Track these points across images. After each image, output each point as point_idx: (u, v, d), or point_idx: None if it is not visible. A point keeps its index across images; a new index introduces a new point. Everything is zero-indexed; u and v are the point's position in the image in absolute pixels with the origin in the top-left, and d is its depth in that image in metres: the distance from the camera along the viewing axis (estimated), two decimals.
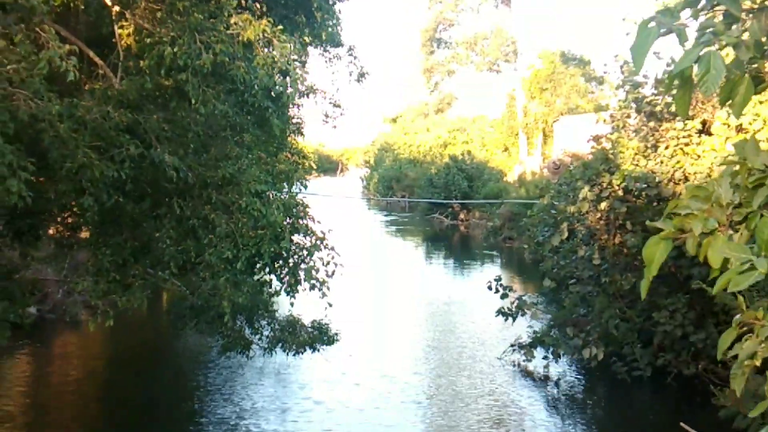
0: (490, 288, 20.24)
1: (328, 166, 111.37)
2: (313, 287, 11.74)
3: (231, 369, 19.90)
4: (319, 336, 17.19)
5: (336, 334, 17.23)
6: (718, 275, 4.23)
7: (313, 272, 11.56)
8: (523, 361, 19.06)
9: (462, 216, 55.21)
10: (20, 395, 18.30)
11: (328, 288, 11.76)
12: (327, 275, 11.81)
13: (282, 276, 11.66)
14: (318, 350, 17.26)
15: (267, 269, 11.64)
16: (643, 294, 4.50)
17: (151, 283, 12.23)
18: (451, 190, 56.17)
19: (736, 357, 4.48)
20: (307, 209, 12.14)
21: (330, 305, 13.04)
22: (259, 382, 18.83)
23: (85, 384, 19.61)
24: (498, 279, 20.21)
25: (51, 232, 14.15)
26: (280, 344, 17.18)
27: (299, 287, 11.70)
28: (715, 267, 4.03)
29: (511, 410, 16.79)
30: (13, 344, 21.62)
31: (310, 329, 17.19)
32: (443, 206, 56.76)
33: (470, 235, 51.68)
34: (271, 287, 14.29)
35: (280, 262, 11.49)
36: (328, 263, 11.70)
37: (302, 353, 17.17)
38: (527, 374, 18.99)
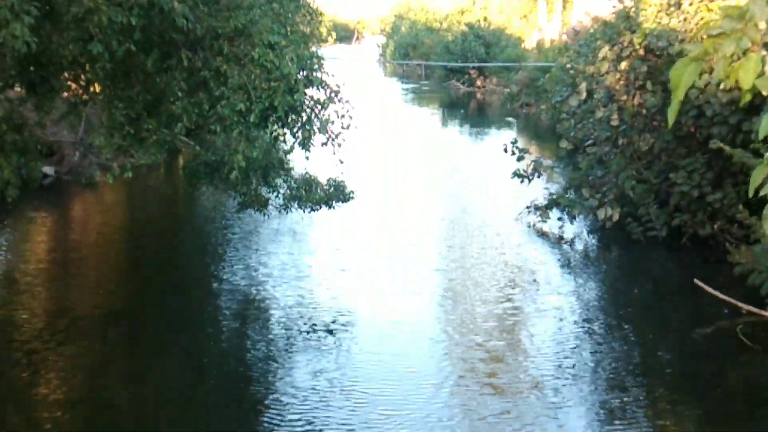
0: (506, 150, 20.08)
1: (344, 35, 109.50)
2: (327, 141, 11.60)
3: (248, 228, 20.08)
4: (335, 193, 17.18)
5: (352, 192, 17.21)
6: (747, 101, 4.08)
7: (328, 125, 11.40)
8: (539, 222, 19.08)
9: (479, 83, 54.49)
10: (41, 254, 18.57)
11: (343, 140, 11.63)
12: (342, 128, 11.65)
13: (295, 130, 11.52)
14: (333, 207, 17.29)
15: (280, 123, 11.48)
16: (670, 121, 4.33)
17: (165, 140, 12.10)
18: (468, 56, 55.28)
19: (756, 212, 4.34)
20: (322, 62, 11.88)
21: (342, 161, 12.98)
22: (276, 241, 19.04)
23: (102, 244, 19.82)
24: (514, 142, 20.02)
25: (65, 95, 13.95)
26: (296, 201, 17.18)
27: (313, 141, 11.57)
28: (746, 88, 3.87)
29: (525, 268, 16.91)
30: (32, 204, 21.85)
31: (325, 187, 17.16)
32: (460, 73, 55.95)
33: (487, 101, 51.15)
34: (285, 143, 14.21)
35: (293, 115, 11.31)
36: (342, 116, 11.52)
37: (318, 210, 17.20)
38: (542, 235, 19.05)
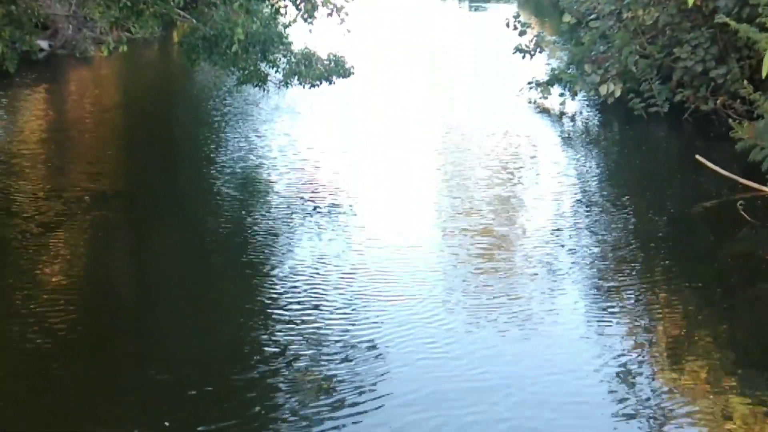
0: (507, 25, 19.79)
1: None
2: (332, 12, 11.35)
3: (246, 104, 19.98)
4: (335, 69, 16.99)
5: (352, 67, 17.03)
6: None
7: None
8: (540, 98, 19.00)
9: None
10: (36, 130, 18.43)
11: (347, 14, 11.39)
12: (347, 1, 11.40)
13: (298, 2, 11.27)
14: (333, 83, 17.15)
15: None
16: None
17: (162, 12, 11.85)
18: None
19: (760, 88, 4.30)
20: None
21: (349, 31, 12.77)
22: (275, 119, 18.99)
23: (97, 121, 19.71)
24: (516, 16, 19.70)
25: None
26: (295, 77, 17.01)
27: (316, 13, 11.32)
28: None
29: (525, 144, 16.95)
30: (27, 79, 21.62)
31: (326, 62, 16.96)
32: None
33: None
34: (284, 16, 13.94)
35: None
36: None
37: (318, 86, 17.07)
38: (543, 111, 19.00)
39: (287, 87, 17.27)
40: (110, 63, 26.00)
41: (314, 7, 11.11)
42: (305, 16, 11.19)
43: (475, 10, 41.03)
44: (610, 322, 9.35)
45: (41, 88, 21.74)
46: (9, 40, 11.82)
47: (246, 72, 16.77)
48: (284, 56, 16.98)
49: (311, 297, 9.93)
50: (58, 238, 12.10)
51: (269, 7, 12.92)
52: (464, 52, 27.20)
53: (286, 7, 11.63)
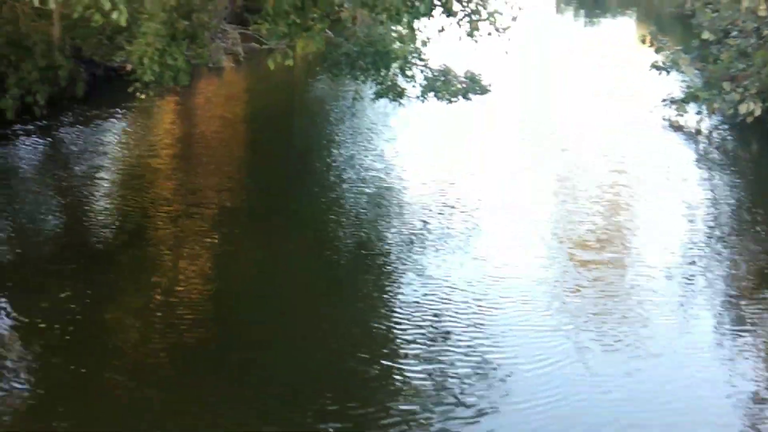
0: (643, 41, 19.80)
1: None
2: (493, 32, 11.65)
3: (381, 117, 20.44)
4: (472, 86, 17.34)
5: (489, 84, 17.35)
6: None
7: (496, 16, 11.48)
8: (675, 116, 18.94)
9: None
10: (169, 142, 19.32)
11: (507, 31, 11.61)
12: (513, 19, 11.70)
13: (461, 19, 11.64)
14: (470, 99, 17.48)
15: (446, 13, 11.60)
16: None
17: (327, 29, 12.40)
18: None
19: None
20: None
21: (507, 52, 13.13)
22: (408, 132, 19.39)
23: (228, 133, 20.37)
24: (653, 32, 19.70)
25: None
26: (432, 92, 17.41)
27: (479, 31, 11.66)
28: None
29: (658, 162, 16.90)
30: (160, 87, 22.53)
31: (463, 79, 17.33)
32: None
33: None
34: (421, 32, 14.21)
35: (462, 4, 11.40)
36: (512, 6, 11.55)
37: (455, 102, 17.43)
38: (678, 128, 18.93)
39: (423, 102, 17.70)
40: (239, 73, 26.88)
41: (477, 27, 11.45)
42: (469, 33, 11.53)
43: (592, 23, 40.75)
44: (744, 353, 9.42)
45: (174, 98, 22.49)
46: (185, 54, 12.55)
47: (383, 86, 17.29)
48: (422, 72, 17.45)
49: (434, 322, 10.19)
50: (188, 251, 12.80)
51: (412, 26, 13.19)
52: (590, 67, 27.09)
53: (450, 24, 11.96)
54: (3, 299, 10.93)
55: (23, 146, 17.94)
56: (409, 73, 17.39)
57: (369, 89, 18.34)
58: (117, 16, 8.31)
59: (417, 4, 11.01)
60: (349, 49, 16.80)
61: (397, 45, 16.30)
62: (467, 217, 14.07)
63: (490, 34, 11.57)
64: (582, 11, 44.14)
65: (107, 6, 8.10)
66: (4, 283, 11.41)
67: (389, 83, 17.40)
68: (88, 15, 9.79)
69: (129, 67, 15.14)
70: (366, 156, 17.81)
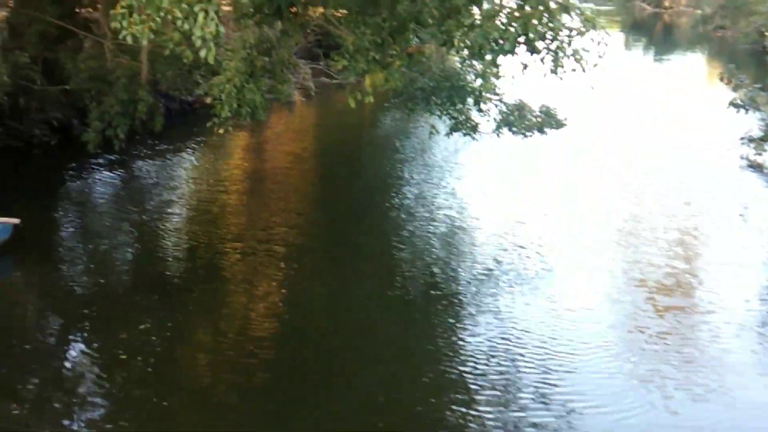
0: (720, 79, 19.49)
1: None
2: (578, 68, 11.54)
3: (454, 152, 20.41)
4: (548, 120, 17.18)
5: (564, 119, 17.18)
6: None
7: (581, 54, 11.37)
8: (754, 155, 18.57)
9: (666, 3, 52.41)
10: (239, 176, 19.59)
11: (594, 67, 11.49)
12: (599, 56, 11.58)
13: (544, 56, 11.57)
14: (545, 133, 17.31)
15: (531, 50, 11.53)
16: None
17: (406, 66, 12.45)
18: None
19: None
20: None
21: (593, 88, 13.05)
22: (481, 166, 19.32)
23: (296, 167, 20.60)
24: (730, 69, 19.40)
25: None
26: (507, 126, 17.29)
27: (563, 68, 11.57)
28: None
29: (737, 199, 16.59)
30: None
31: (538, 113, 17.18)
32: None
33: (674, 23, 49.15)
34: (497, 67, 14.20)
35: (546, 42, 11.33)
36: (599, 43, 11.42)
37: (530, 136, 17.28)
38: (756, 167, 18.56)
39: (498, 136, 17.59)
40: (309, 107, 27.16)
41: (561, 64, 11.38)
42: (552, 69, 11.45)
43: (662, 59, 40.30)
44: None
45: (245, 133, 22.75)
46: (264, 90, 12.72)
47: (458, 121, 17.21)
48: (496, 106, 17.34)
49: (509, 367, 10.10)
50: (258, 287, 12.95)
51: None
52: (664, 103, 26.75)
53: (534, 61, 11.87)
54: (87, 329, 11.16)
55: (101, 178, 18.35)
56: (483, 107, 17.28)
57: (440, 123, 18.33)
58: (205, 54, 8.43)
59: (501, 42, 10.99)
60: (424, 83, 16.82)
61: (472, 80, 16.26)
62: (540, 257, 13.99)
63: (574, 70, 11.46)
64: (651, 47, 43.74)
65: (198, 43, 8.23)
66: (88, 313, 11.66)
67: (463, 117, 17.32)
68: (178, 52, 9.98)
69: (207, 100, 15.39)
70: (437, 192, 17.83)
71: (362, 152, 23.19)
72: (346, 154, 22.55)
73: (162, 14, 8.66)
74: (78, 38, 19.92)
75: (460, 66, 16.33)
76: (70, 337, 11.15)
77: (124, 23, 9.24)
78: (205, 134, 22.66)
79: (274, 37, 13.63)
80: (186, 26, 8.46)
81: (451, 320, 11.68)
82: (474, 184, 18.45)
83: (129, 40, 9.34)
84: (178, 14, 8.41)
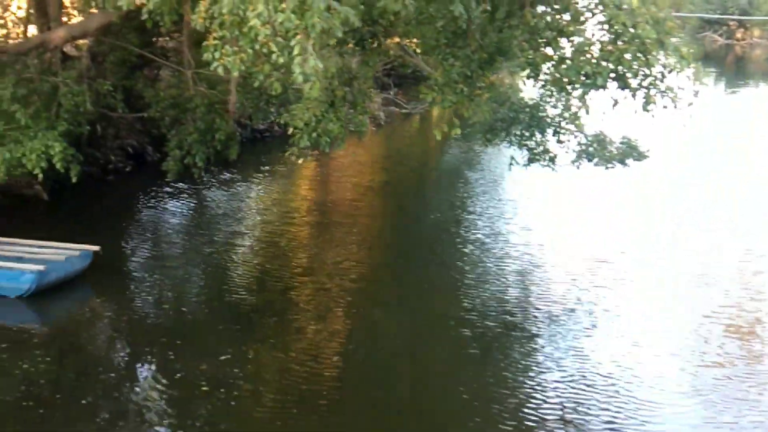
0: None
1: None
2: (668, 106, 11.27)
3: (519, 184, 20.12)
4: (629, 151, 16.77)
5: (647, 151, 16.77)
6: None
7: (675, 90, 11.10)
8: None
9: (738, 35, 51.47)
10: (308, 201, 19.81)
11: (688, 106, 11.21)
12: (695, 94, 11.29)
13: (635, 91, 11.30)
14: (627, 165, 16.91)
15: (622, 85, 11.27)
16: None
17: (495, 99, 12.30)
18: (728, 6, 52.16)
19: None
20: (674, 25, 11.41)
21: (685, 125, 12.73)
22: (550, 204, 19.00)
23: (362, 198, 20.58)
24: None
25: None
26: (587, 158, 16.94)
27: (654, 104, 11.29)
28: None
29: None
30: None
31: (619, 144, 16.80)
32: (717, 24, 52.98)
33: (747, 56, 48.26)
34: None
35: (639, 77, 11.07)
36: (695, 81, 11.14)
37: (611, 168, 16.90)
38: None
39: (578, 167, 17.26)
40: (379, 136, 27.16)
41: (653, 101, 11.11)
42: (644, 106, 11.19)
43: (735, 92, 39.55)
44: None
45: (315, 162, 22.76)
46: (343, 121, 12.63)
47: (536, 151, 16.92)
48: (576, 137, 17.03)
49: (586, 413, 9.78)
50: (327, 321, 12.78)
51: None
52: (743, 136, 26.15)
53: (625, 98, 11.64)
54: (166, 359, 11.12)
55: (175, 206, 18.56)
56: (563, 137, 16.99)
57: (504, 150, 18.17)
58: (310, 88, 8.31)
59: (592, 76, 10.75)
60: (504, 114, 16.60)
61: (553, 110, 16.03)
62: (620, 297, 13.66)
63: (665, 107, 11.19)
64: (723, 79, 42.96)
65: (299, 79, 8.12)
66: (166, 341, 11.70)
67: (542, 149, 17.03)
68: (267, 84, 9.92)
69: (279, 128, 15.37)
70: (512, 227, 17.61)
71: (433, 183, 23.05)
72: (417, 185, 22.44)
73: (257, 47, 8.58)
74: (154, 66, 20.19)
75: (539, 97, 16.11)
76: (149, 366, 11.18)
77: (216, 54, 9.21)
78: (274, 162, 22.81)
79: (355, 67, 13.55)
80: (281, 60, 8.36)
81: (526, 359, 11.41)
82: (550, 218, 18.15)
83: (220, 71, 9.31)
84: (274, 48, 8.31)
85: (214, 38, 9.27)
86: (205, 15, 9.32)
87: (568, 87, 11.35)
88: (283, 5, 7.95)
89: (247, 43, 8.82)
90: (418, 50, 16.17)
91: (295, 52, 8.03)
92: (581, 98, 11.68)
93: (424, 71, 14.81)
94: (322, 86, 13.44)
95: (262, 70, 9.45)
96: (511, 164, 16.31)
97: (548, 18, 11.47)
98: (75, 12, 20.03)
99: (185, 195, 19.21)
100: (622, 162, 16.78)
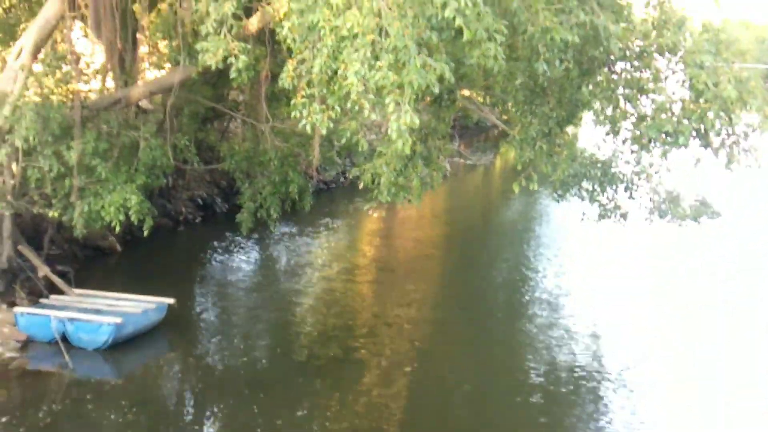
0: None
1: None
2: (751, 165, 11.17)
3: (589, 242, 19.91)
4: (703, 209, 16.54)
5: (719, 209, 16.54)
6: None
7: (758, 150, 11.02)
8: None
9: None
10: (372, 253, 19.94)
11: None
12: None
13: (718, 149, 11.22)
14: (699, 223, 16.66)
15: (705, 144, 11.21)
16: None
17: (574, 155, 12.32)
18: None
19: None
20: (757, 84, 11.33)
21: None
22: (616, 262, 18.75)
23: (434, 247, 20.63)
24: None
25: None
26: (659, 214, 16.75)
27: (738, 161, 11.19)
28: None
29: None
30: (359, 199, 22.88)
31: (693, 202, 16.58)
32: None
33: None
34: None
35: (722, 136, 10.99)
36: None
37: (683, 225, 16.68)
38: None
39: (650, 224, 17.08)
40: (443, 188, 27.05)
41: (736, 159, 11.04)
42: (727, 164, 11.11)
43: None
44: None
45: (381, 213, 22.82)
46: (420, 176, 12.72)
47: (607, 207, 16.77)
48: (647, 193, 16.86)
49: None
50: (397, 371, 12.91)
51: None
52: None
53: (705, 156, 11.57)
54: (242, 412, 11.18)
55: (243, 258, 18.76)
56: (635, 194, 16.83)
57: (577, 204, 18.04)
58: (401, 146, 8.39)
59: (675, 135, 10.70)
60: (576, 169, 16.54)
61: (624, 166, 15.93)
62: (684, 368, 13.43)
63: (749, 167, 11.08)
64: None
65: (393, 136, 8.20)
66: (240, 394, 11.76)
67: (612, 205, 16.88)
68: (354, 141, 10.02)
69: (359, 184, 15.49)
70: (580, 284, 17.40)
71: (498, 237, 22.97)
72: (482, 238, 22.39)
73: (347, 105, 8.69)
74: (224, 119, 20.54)
75: (612, 152, 16.02)
76: (223, 421, 11.22)
77: (304, 112, 9.35)
78: (340, 213, 22.99)
79: (430, 124, 13.66)
80: (373, 116, 8.45)
81: (593, 418, 11.38)
82: (619, 279, 17.89)
83: (308, 129, 9.44)
84: (366, 105, 8.41)
85: (302, 96, 9.42)
86: (293, 74, 9.50)
87: (649, 145, 11.28)
88: (380, 63, 8.05)
89: (336, 101, 8.94)
90: (481, 99, 16.24)
91: (390, 109, 8.11)
92: (663, 156, 11.58)
93: (494, 123, 14.87)
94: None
95: (349, 126, 9.57)
96: (582, 219, 16.15)
97: (627, 75, 11.46)
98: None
99: (254, 246, 19.40)
100: (695, 220, 16.57)
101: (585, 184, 16.41)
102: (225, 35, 10.88)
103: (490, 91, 13.87)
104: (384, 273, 18.61)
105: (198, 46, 11.30)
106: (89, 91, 16.11)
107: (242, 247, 19.26)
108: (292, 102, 9.50)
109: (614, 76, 11.53)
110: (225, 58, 10.93)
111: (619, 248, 19.22)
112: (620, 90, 11.45)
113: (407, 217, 23.68)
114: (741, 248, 19.91)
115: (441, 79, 8.45)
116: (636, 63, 11.40)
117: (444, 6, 8.35)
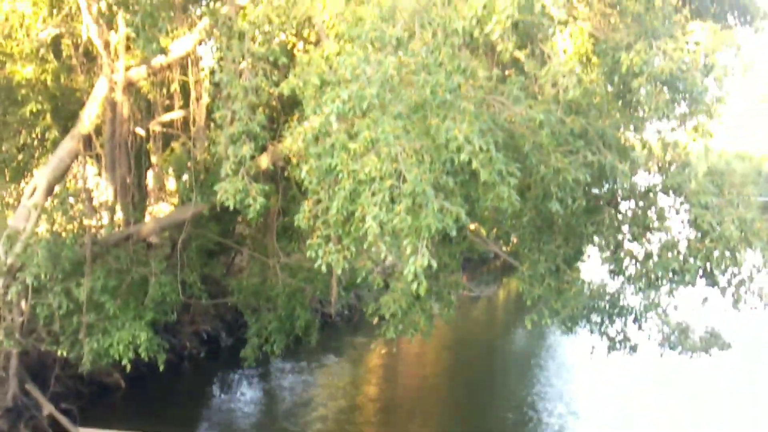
0: None
1: None
2: (760, 305, 11.25)
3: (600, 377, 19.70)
4: (713, 341, 16.48)
5: (730, 341, 16.48)
6: None
7: (766, 290, 11.11)
8: None
9: None
10: (375, 390, 19.66)
11: None
12: None
13: (725, 289, 11.31)
14: (711, 355, 16.57)
15: (711, 282, 11.30)
16: None
17: (582, 291, 12.36)
18: None
19: None
20: (762, 226, 11.51)
21: None
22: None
23: (439, 383, 20.40)
24: None
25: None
26: (669, 346, 16.67)
27: (744, 301, 11.26)
28: None
29: None
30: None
31: (702, 334, 16.54)
32: None
33: None
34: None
35: (728, 275, 11.10)
36: None
37: (694, 357, 16.58)
38: None
39: (661, 356, 16.99)
40: (459, 324, 26.95)
41: (743, 300, 11.13)
42: (734, 303, 11.19)
43: None
44: None
45: (384, 345, 22.53)
46: (429, 313, 12.78)
47: (616, 339, 16.71)
48: (657, 325, 16.83)
49: None
50: None
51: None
52: None
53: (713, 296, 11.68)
54: None
55: (248, 395, 18.51)
56: (645, 326, 16.81)
57: (584, 337, 17.96)
58: (416, 287, 8.46)
59: (681, 273, 10.80)
60: (585, 302, 16.59)
61: (632, 298, 15.98)
62: None
63: (755, 308, 11.17)
64: None
65: (410, 278, 8.27)
66: None
67: (621, 337, 16.82)
68: (370, 280, 10.11)
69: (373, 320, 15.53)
70: (584, 421, 17.12)
71: (504, 371, 22.71)
72: (487, 372, 22.13)
73: (364, 246, 8.79)
74: (230, 253, 20.62)
75: (620, 285, 16.08)
76: None
77: (320, 252, 9.44)
78: (344, 347, 22.80)
79: (441, 260, 13.77)
80: (389, 258, 8.55)
81: None
82: (629, 417, 17.65)
83: (323, 269, 9.50)
84: (383, 247, 8.51)
85: (318, 236, 9.53)
86: (310, 214, 9.64)
87: (657, 282, 11.35)
88: (398, 207, 8.19)
89: (352, 242, 9.04)
90: (484, 232, 16.37)
91: (408, 251, 8.20)
92: (670, 293, 11.63)
93: (500, 255, 14.97)
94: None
95: (365, 266, 9.65)
96: (591, 352, 16.06)
97: (631, 213, 11.66)
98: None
99: (257, 383, 19.21)
100: (706, 351, 16.48)
101: (593, 316, 16.44)
102: (243, 176, 11.08)
103: (497, 224, 14.02)
104: (385, 413, 18.32)
105: (216, 187, 11.42)
106: (100, 227, 16.24)
107: (245, 383, 19.07)
108: (308, 242, 9.60)
109: (619, 216, 11.70)
110: (242, 200, 11.10)
111: (629, 381, 18.99)
112: (625, 228, 11.61)
113: (411, 352, 23.46)
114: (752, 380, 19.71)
115: (457, 220, 8.58)
116: (641, 203, 11.59)
117: (459, 150, 8.57)
